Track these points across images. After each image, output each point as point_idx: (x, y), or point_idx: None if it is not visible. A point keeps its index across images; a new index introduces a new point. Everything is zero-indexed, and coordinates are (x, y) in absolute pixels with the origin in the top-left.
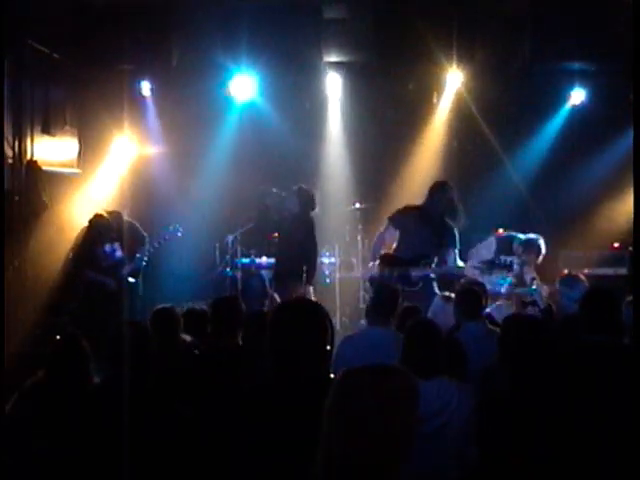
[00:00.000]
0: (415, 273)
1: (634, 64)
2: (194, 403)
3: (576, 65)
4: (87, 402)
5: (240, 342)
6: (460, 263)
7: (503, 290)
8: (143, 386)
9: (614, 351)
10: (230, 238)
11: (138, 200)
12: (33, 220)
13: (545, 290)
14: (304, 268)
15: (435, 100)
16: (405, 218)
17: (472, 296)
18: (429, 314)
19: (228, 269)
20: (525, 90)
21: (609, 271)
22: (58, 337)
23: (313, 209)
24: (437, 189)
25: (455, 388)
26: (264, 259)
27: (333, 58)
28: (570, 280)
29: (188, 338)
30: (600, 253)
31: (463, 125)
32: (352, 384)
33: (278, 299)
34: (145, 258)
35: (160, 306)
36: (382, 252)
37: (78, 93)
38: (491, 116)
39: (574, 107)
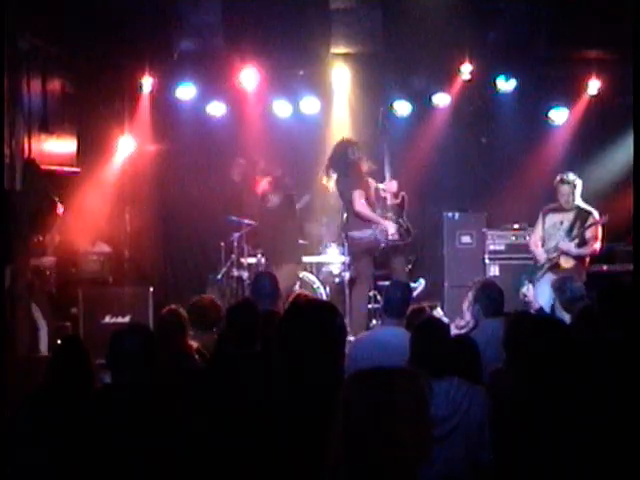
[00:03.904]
0: None
1: (634, 65)
2: (201, 412)
3: (594, 53)
4: (89, 408)
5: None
6: None
7: None
8: (147, 394)
9: (628, 348)
10: (236, 236)
11: (139, 198)
12: (35, 220)
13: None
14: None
15: (449, 91)
16: None
17: (493, 292)
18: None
19: (234, 269)
20: (542, 80)
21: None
22: (59, 341)
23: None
24: None
25: (467, 390)
26: None
27: (341, 49)
28: (560, 283)
29: (195, 344)
30: (622, 248)
31: (477, 117)
32: (361, 387)
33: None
34: None
35: (167, 308)
36: None
37: (77, 89)
38: (506, 107)
39: (592, 96)
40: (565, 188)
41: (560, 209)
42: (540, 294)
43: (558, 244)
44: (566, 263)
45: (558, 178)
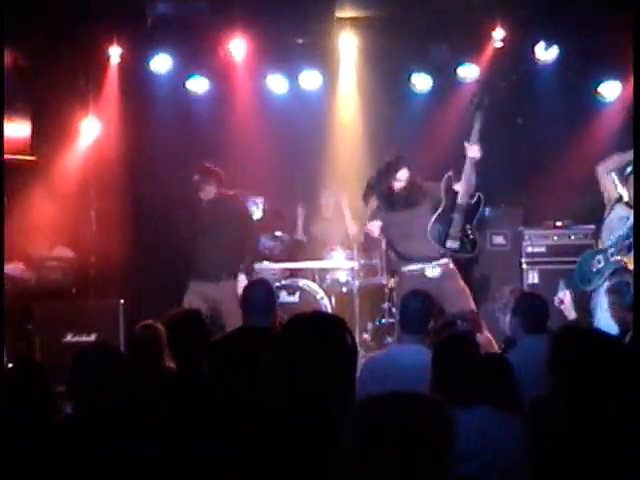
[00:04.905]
0: None
1: (634, 65)
2: (180, 443)
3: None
4: (49, 443)
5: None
6: None
7: None
8: (116, 426)
9: None
10: None
11: (106, 193)
12: None
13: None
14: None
15: (477, 62)
16: None
17: (534, 304)
18: None
19: None
20: (589, 47)
21: None
22: (10, 365)
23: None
24: None
25: (501, 420)
26: (265, 264)
27: (347, 12)
28: (619, 287)
29: (174, 366)
30: None
31: (511, 93)
32: (372, 416)
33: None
34: None
35: (141, 324)
36: None
37: (32, 61)
38: (547, 80)
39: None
40: None
41: (628, 203)
42: (600, 305)
43: (621, 237)
44: (632, 264)
45: (630, 169)
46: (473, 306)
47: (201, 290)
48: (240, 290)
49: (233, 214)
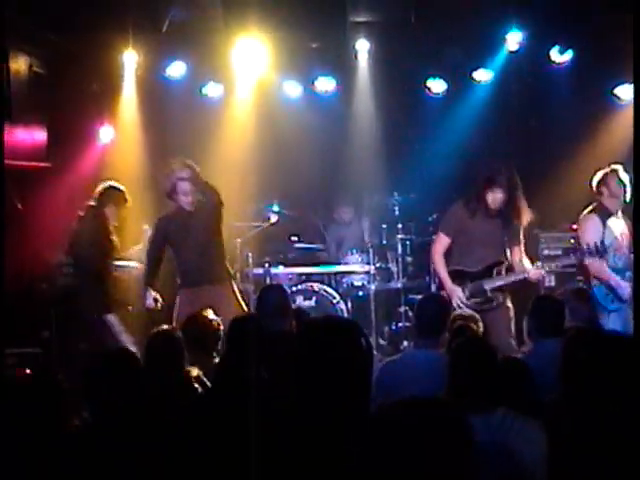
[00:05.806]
0: (489, 286)
1: (634, 63)
2: (199, 455)
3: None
4: (63, 452)
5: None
6: (527, 264)
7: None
8: (133, 434)
9: None
10: (238, 243)
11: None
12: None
13: None
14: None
15: (492, 65)
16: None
17: (550, 306)
18: None
19: (237, 281)
20: (605, 50)
21: None
22: (28, 371)
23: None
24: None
25: (515, 423)
26: (281, 269)
27: (361, 17)
28: None
29: (195, 371)
30: None
31: (526, 96)
32: (388, 420)
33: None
34: None
35: (157, 329)
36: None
37: (47, 68)
38: (562, 83)
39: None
40: (627, 179)
41: (610, 212)
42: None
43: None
44: None
45: (617, 167)
46: None
47: (195, 296)
48: None
49: (210, 213)
